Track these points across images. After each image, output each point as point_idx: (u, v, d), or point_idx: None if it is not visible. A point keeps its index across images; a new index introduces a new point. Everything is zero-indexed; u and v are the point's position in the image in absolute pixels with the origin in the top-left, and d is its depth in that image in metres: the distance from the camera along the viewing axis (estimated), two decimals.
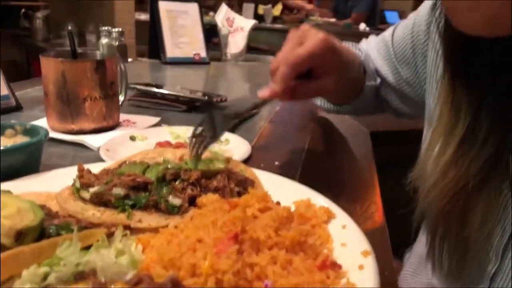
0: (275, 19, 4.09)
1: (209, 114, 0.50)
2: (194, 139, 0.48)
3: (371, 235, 0.50)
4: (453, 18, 0.37)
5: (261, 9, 4.01)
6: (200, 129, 0.48)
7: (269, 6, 4.06)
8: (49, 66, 0.64)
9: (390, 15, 4.75)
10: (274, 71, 0.54)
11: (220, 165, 0.43)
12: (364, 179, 0.65)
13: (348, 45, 0.68)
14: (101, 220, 0.37)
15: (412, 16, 0.65)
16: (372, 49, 0.72)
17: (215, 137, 0.50)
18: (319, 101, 0.76)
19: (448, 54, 0.45)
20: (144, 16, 3.88)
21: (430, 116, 0.56)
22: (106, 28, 1.36)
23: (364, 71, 0.67)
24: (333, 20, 3.97)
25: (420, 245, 0.62)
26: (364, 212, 0.56)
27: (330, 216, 0.37)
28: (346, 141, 0.79)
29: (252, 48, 3.73)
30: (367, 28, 3.42)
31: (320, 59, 0.55)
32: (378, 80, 0.69)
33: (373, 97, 0.70)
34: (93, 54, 0.72)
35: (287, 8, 4.28)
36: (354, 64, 0.63)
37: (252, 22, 1.57)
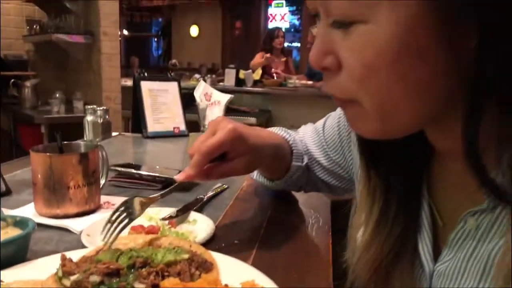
0: (256, 83, 4.31)
1: (128, 200, 0.63)
2: (109, 224, 0.59)
3: None
4: (351, 126, 0.48)
5: (242, 73, 4.23)
6: (117, 213, 0.60)
7: (250, 71, 4.29)
8: (38, 160, 0.73)
9: None
10: (191, 156, 0.66)
11: (184, 256, 0.52)
12: (317, 251, 0.73)
13: (272, 130, 0.83)
14: None
15: (338, 110, 0.78)
16: (308, 136, 0.84)
17: (131, 220, 0.62)
18: (255, 176, 0.88)
19: (361, 149, 0.56)
20: (130, 82, 4.05)
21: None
22: (91, 106, 1.47)
23: (292, 153, 0.80)
24: (310, 82, 4.19)
25: None
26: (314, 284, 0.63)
27: None
28: (304, 214, 0.88)
29: (235, 110, 3.91)
30: None
31: (229, 146, 0.67)
32: (305, 161, 0.81)
33: (301, 176, 0.82)
34: (78, 146, 0.82)
35: (266, 73, 4.52)
36: (267, 145, 0.74)
37: (228, 96, 1.70)
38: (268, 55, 4.46)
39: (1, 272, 0.52)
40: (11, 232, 0.58)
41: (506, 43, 0.35)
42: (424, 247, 0.51)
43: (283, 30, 5.27)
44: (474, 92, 0.37)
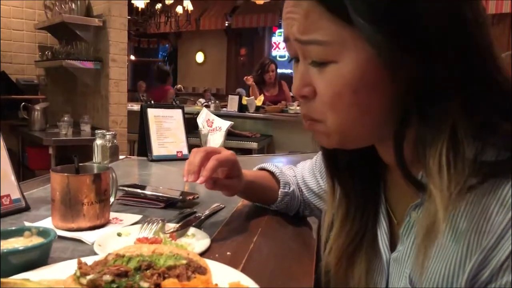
0: (258, 108, 4.44)
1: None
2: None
3: None
4: (316, 139, 0.60)
5: (245, 100, 4.37)
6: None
7: (252, 97, 4.42)
8: (57, 179, 0.83)
9: None
10: (202, 161, 0.82)
11: (183, 261, 0.61)
12: (301, 263, 0.81)
13: (263, 166, 1.03)
14: None
15: None
16: (306, 168, 1.00)
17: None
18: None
19: (325, 162, 0.68)
20: (135, 107, 4.19)
21: None
22: (101, 131, 1.58)
23: (278, 182, 0.97)
24: None
25: None
26: None
27: None
28: (292, 231, 0.97)
29: (237, 134, 4.02)
30: None
31: (232, 164, 0.85)
32: (292, 188, 0.97)
33: (291, 201, 0.99)
34: (91, 168, 0.92)
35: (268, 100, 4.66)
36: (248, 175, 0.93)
37: (228, 123, 1.81)
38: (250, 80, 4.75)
39: (28, 273, 0.62)
40: (35, 240, 0.68)
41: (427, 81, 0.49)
42: (383, 241, 0.64)
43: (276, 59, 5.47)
44: (401, 118, 0.51)
